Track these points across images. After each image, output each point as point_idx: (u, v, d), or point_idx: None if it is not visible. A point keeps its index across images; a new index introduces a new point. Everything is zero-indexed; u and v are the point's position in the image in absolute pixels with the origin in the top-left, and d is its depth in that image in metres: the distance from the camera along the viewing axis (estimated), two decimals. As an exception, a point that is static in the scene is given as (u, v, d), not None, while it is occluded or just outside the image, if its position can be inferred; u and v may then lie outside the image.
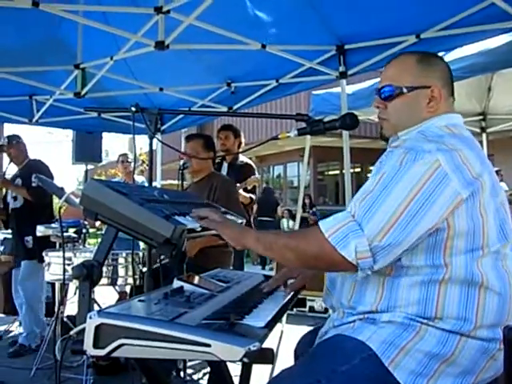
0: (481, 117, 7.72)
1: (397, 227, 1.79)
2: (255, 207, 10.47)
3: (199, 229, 2.19)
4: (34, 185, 5.92)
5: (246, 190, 6.13)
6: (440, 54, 4.30)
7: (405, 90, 2.09)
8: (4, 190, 6.47)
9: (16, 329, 6.47)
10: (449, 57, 5.18)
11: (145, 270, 3.22)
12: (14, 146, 6.25)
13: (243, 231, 2.17)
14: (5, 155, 6.39)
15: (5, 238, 6.50)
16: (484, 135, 7.99)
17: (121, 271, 4.31)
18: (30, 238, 5.85)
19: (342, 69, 5.29)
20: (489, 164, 1.97)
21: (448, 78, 2.16)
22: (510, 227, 2.01)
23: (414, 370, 1.83)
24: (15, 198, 6.16)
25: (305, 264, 2.05)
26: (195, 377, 4.88)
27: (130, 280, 4.37)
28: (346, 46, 5.13)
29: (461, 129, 2.06)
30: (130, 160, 7.11)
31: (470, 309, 1.87)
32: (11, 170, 6.39)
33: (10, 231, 6.37)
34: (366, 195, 1.87)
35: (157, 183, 7.56)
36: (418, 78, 2.10)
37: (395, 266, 1.91)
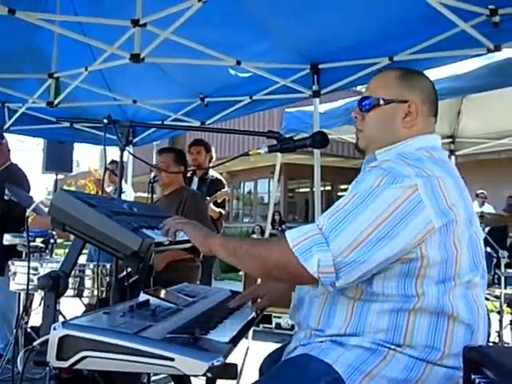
0: (450, 139, 7.84)
1: (364, 246, 1.76)
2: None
3: (167, 242, 2.19)
4: (6, 198, 5.69)
5: (215, 203, 6.14)
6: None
7: (381, 102, 2.09)
8: None
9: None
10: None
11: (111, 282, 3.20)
12: None
13: (209, 235, 2.15)
14: None
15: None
16: (453, 158, 8.11)
17: (87, 283, 4.27)
18: None
19: (315, 87, 5.36)
20: (467, 193, 1.97)
21: (430, 97, 2.14)
22: (482, 256, 2.01)
23: None
24: None
25: (266, 273, 2.00)
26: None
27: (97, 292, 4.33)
28: (320, 66, 5.20)
29: (440, 152, 2.04)
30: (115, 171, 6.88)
31: (439, 338, 1.86)
32: None
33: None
34: (336, 211, 1.84)
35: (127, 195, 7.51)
36: (397, 91, 2.09)
37: (365, 292, 1.90)
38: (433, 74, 5.14)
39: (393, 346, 1.86)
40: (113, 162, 7.07)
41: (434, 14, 3.81)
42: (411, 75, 2.16)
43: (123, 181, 7.68)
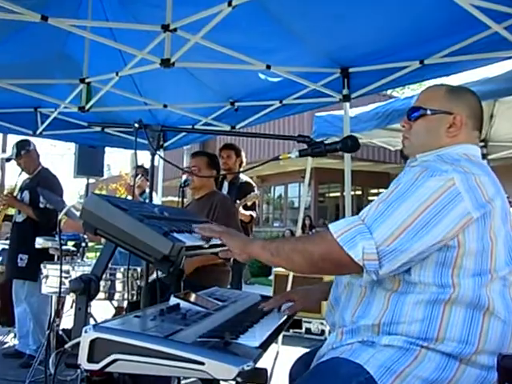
0: (482, 143, 7.74)
1: (405, 235, 1.82)
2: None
3: (199, 244, 2.20)
4: (41, 206, 5.78)
5: (245, 207, 6.14)
6: (441, 79, 4.35)
7: (428, 112, 2.19)
8: None
9: (11, 340, 6.44)
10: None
11: (142, 285, 3.22)
12: (24, 156, 6.01)
13: (247, 240, 2.20)
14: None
15: (3, 249, 6.43)
16: (485, 162, 7.99)
17: (118, 286, 4.29)
18: (25, 257, 5.67)
19: (345, 91, 5.35)
20: (503, 192, 2.03)
21: (475, 112, 2.23)
22: None
23: None
24: (19, 211, 5.97)
25: (312, 266, 2.01)
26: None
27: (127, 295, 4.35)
28: (350, 70, 5.19)
29: (479, 159, 2.14)
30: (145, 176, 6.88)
31: (474, 332, 1.87)
32: (22, 179, 6.20)
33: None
34: (379, 203, 1.92)
35: (157, 200, 7.54)
36: (444, 104, 2.19)
37: (403, 282, 1.94)
38: (464, 76, 5.10)
39: (425, 343, 1.87)
40: (140, 166, 7.08)
41: (466, 16, 3.77)
42: (459, 91, 2.28)
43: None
